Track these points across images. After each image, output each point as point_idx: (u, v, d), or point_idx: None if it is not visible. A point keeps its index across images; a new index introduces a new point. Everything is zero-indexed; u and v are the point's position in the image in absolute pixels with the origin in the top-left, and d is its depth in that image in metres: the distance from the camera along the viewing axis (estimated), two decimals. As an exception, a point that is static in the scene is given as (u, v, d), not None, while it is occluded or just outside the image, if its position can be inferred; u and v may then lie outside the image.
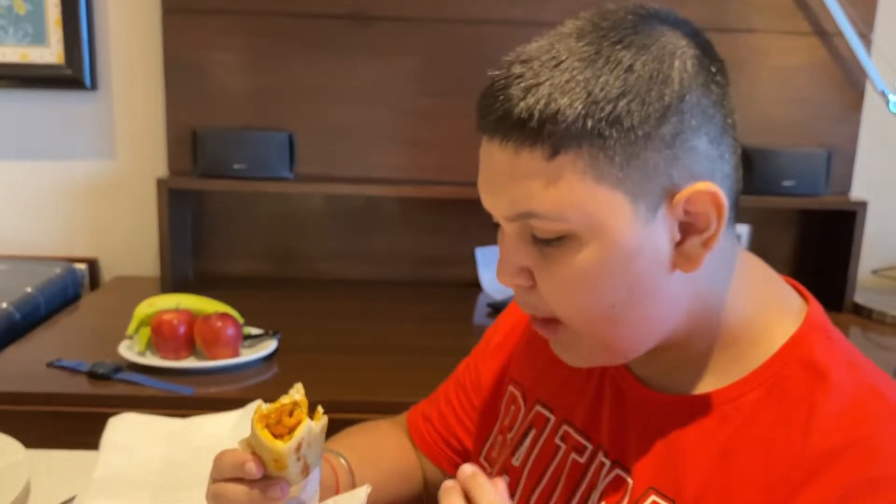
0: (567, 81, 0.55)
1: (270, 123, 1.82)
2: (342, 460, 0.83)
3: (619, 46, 0.56)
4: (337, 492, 0.78)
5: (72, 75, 1.82)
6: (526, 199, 0.57)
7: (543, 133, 0.55)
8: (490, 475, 0.81)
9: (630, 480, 0.67)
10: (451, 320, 1.71)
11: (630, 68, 0.55)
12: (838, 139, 1.85)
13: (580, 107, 0.54)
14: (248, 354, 1.38)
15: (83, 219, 1.92)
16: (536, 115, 0.55)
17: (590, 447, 0.72)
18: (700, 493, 0.61)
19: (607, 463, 0.69)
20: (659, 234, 0.58)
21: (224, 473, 0.65)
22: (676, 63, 0.56)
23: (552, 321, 0.63)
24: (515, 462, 0.78)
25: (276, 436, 0.62)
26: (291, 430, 0.62)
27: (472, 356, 0.93)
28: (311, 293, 1.85)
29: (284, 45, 1.80)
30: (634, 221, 0.57)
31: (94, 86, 1.85)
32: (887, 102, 1.73)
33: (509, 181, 0.58)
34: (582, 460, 0.72)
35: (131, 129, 1.88)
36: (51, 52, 1.81)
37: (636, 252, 0.58)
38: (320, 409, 0.65)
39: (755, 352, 0.64)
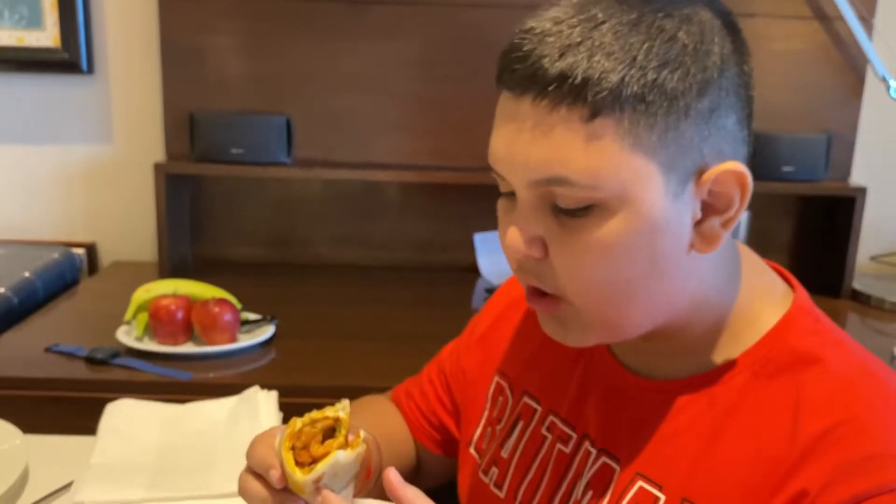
0: (609, 43, 0.53)
1: (268, 108, 1.81)
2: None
3: (661, 14, 0.54)
4: (368, 475, 0.74)
5: (68, 59, 1.80)
6: (559, 163, 0.55)
7: (585, 93, 0.53)
8: (480, 466, 0.82)
9: (617, 468, 0.67)
10: (449, 306, 1.71)
11: (674, 38, 0.54)
12: (838, 125, 1.84)
13: (624, 70, 0.52)
14: (246, 340, 1.38)
15: (81, 203, 1.91)
16: (579, 74, 0.53)
17: (574, 436, 0.72)
18: (687, 478, 0.61)
19: (593, 451, 0.69)
20: (683, 212, 0.58)
21: (253, 465, 0.64)
22: (716, 38, 0.56)
23: (553, 296, 0.62)
24: (504, 453, 0.78)
25: (299, 463, 0.59)
26: (317, 460, 0.59)
27: (455, 344, 0.93)
28: (310, 278, 1.85)
29: (282, 28, 1.79)
30: (664, 195, 0.56)
31: (90, 69, 1.83)
32: (888, 88, 1.72)
33: (539, 142, 0.55)
34: (567, 450, 0.72)
35: (128, 113, 1.87)
36: (47, 36, 1.80)
37: (662, 227, 0.57)
38: (361, 434, 0.61)
39: (742, 336, 0.64)
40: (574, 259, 0.58)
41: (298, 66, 1.81)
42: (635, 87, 0.53)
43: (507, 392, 0.81)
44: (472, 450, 0.83)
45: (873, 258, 1.93)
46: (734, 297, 0.64)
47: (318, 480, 0.58)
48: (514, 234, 0.59)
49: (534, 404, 0.77)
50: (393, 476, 0.59)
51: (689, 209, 0.58)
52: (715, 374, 0.63)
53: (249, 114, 1.78)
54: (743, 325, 0.64)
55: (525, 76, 0.55)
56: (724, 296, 0.64)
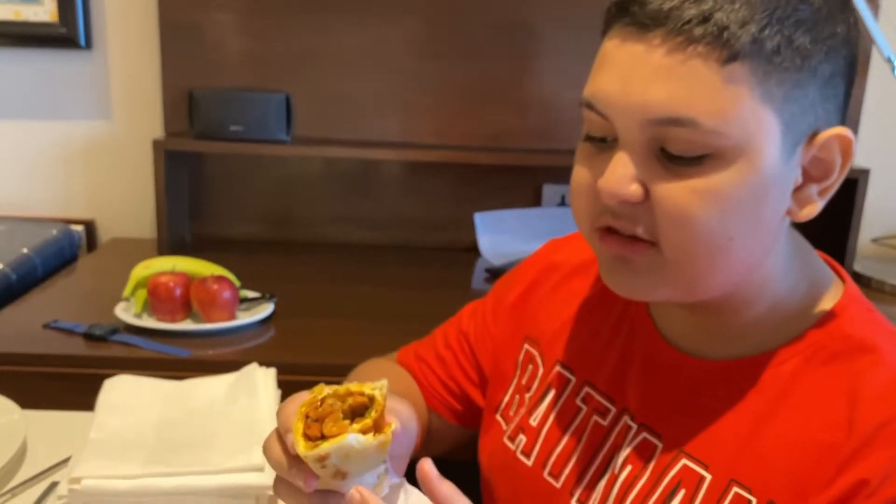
0: None
1: (268, 85, 1.80)
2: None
3: None
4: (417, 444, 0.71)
5: (66, 34, 1.79)
6: (685, 103, 0.52)
7: (724, 35, 0.51)
8: (506, 432, 0.81)
9: (659, 444, 0.66)
10: (449, 286, 1.71)
11: (809, 0, 0.53)
12: (842, 106, 1.82)
13: (764, 21, 0.52)
14: (245, 318, 1.38)
15: (80, 180, 1.90)
16: (721, 16, 0.51)
17: (613, 410, 0.71)
18: (734, 459, 0.61)
19: (633, 426, 0.69)
20: (789, 175, 0.57)
21: (279, 425, 0.61)
22: (842, 8, 0.56)
23: (639, 241, 0.59)
24: (533, 422, 0.77)
25: (308, 436, 0.54)
26: (326, 437, 0.54)
27: (478, 307, 0.91)
28: (309, 257, 1.85)
29: (282, 5, 1.77)
30: (780, 153, 0.55)
31: (88, 45, 1.82)
32: (892, 69, 1.70)
33: (665, 79, 0.53)
34: (605, 422, 0.71)
35: (127, 89, 1.86)
36: (44, 10, 1.78)
37: (772, 185, 0.56)
38: (393, 425, 0.56)
39: (795, 321, 0.63)
40: (681, 207, 0.55)
41: (298, 44, 1.79)
42: (773, 41, 0.52)
43: (538, 361, 0.80)
44: (498, 416, 0.83)
45: (874, 240, 1.93)
46: (790, 281, 0.64)
47: (322, 459, 0.53)
48: (614, 176, 0.56)
49: (567, 374, 0.77)
50: (428, 469, 0.56)
51: (793, 173, 0.57)
52: (764, 359, 0.63)
53: (249, 91, 1.77)
54: (796, 311, 0.63)
55: (659, 9, 0.52)
56: (785, 277, 0.64)
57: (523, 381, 0.81)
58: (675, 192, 0.55)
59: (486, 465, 0.83)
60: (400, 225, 1.94)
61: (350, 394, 0.56)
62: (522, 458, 0.77)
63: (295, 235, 1.94)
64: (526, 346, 0.83)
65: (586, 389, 0.74)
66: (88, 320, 1.34)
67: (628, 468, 0.68)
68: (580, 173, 0.60)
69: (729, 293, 0.62)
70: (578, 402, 0.75)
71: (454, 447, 0.95)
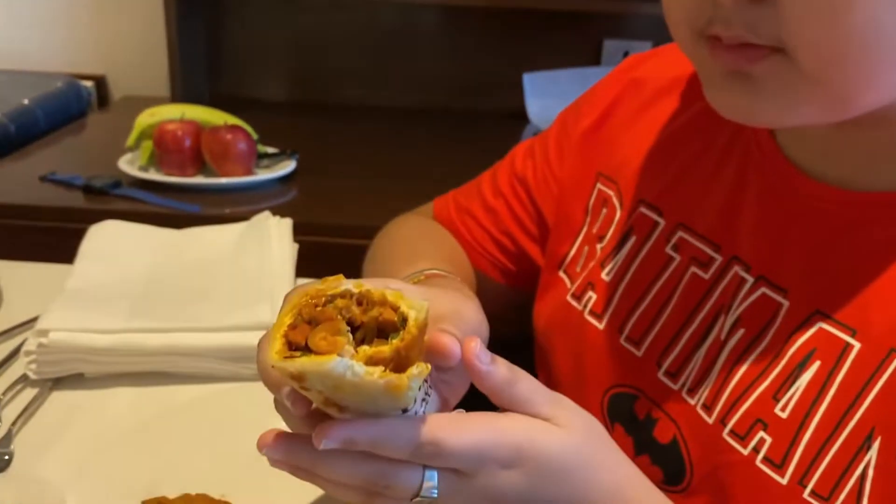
0: None
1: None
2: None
3: None
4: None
5: None
6: None
7: None
8: (570, 290, 0.65)
9: (785, 302, 0.51)
10: (490, 152, 1.51)
11: None
12: None
13: None
14: (263, 174, 1.23)
15: (88, 32, 1.73)
16: None
17: (719, 259, 0.55)
18: (894, 326, 0.46)
19: (748, 279, 0.53)
20: None
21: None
22: None
23: (759, 49, 0.44)
24: (606, 276, 0.62)
25: (292, 345, 0.37)
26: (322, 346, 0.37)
27: (538, 146, 0.74)
28: (338, 118, 1.67)
29: None
30: None
31: None
32: None
33: None
34: (706, 275, 0.56)
35: (137, -73, 1.66)
36: None
37: None
38: (425, 369, 0.38)
39: None
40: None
41: None
42: None
43: (615, 201, 0.64)
44: (561, 273, 0.68)
45: None
46: None
47: (299, 379, 0.37)
48: None
49: (654, 216, 0.61)
50: (477, 352, 0.42)
51: None
52: None
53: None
54: None
55: None
56: None
57: (594, 230, 0.65)
58: None
59: (544, 329, 0.67)
60: (438, 87, 1.75)
61: (375, 302, 0.39)
62: (591, 319, 0.62)
63: (324, 96, 1.76)
64: (599, 185, 0.66)
65: (680, 234, 0.59)
66: (89, 173, 1.21)
67: (740, 332, 0.52)
68: None
69: (886, 107, 0.46)
70: (669, 250, 0.59)
71: (500, 313, 0.79)
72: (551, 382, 0.68)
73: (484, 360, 0.42)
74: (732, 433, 0.50)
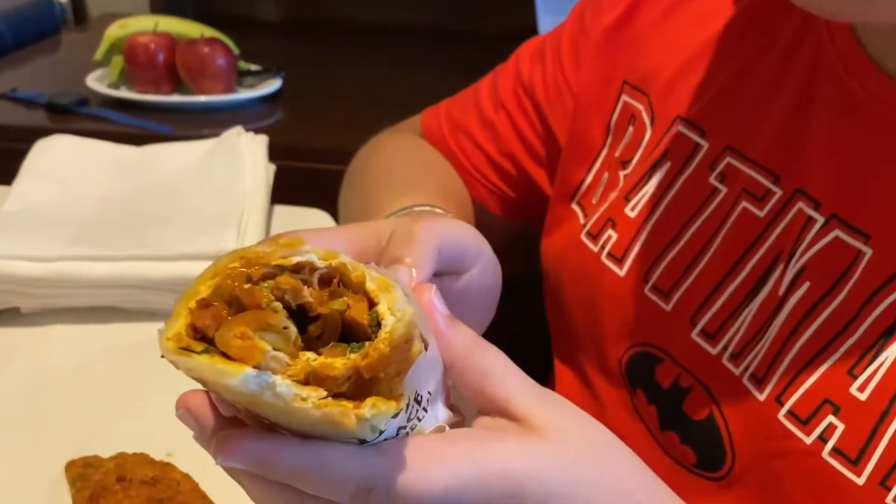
0: None
1: None
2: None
3: None
4: None
5: None
6: None
7: None
8: (585, 226, 0.54)
9: (866, 250, 0.40)
10: (498, 73, 1.41)
11: None
12: None
13: None
14: (246, 93, 1.11)
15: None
16: None
17: (778, 192, 0.44)
18: None
19: (818, 219, 0.42)
20: None
21: None
22: None
23: None
24: (631, 211, 0.51)
25: (198, 332, 0.26)
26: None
27: (547, 48, 0.62)
28: (330, 39, 1.55)
29: None
30: None
31: None
32: None
33: None
34: (761, 213, 0.44)
35: None
36: None
37: None
38: (397, 403, 0.26)
39: None
40: None
41: None
42: None
43: (644, 117, 0.53)
44: (574, 205, 0.57)
45: None
46: None
47: (201, 380, 0.26)
48: None
49: (694, 137, 0.49)
50: (437, 310, 0.31)
51: None
52: None
53: None
54: None
55: None
56: None
57: (616, 153, 0.54)
58: None
59: (554, 272, 0.57)
60: (440, 4, 1.61)
61: (350, 285, 0.27)
62: (610, 263, 0.51)
63: (315, 15, 1.63)
64: (624, 97, 0.54)
65: (728, 160, 0.47)
66: (55, 91, 1.11)
67: (804, 287, 0.41)
68: None
69: None
70: (714, 179, 0.48)
71: (498, 249, 0.69)
72: (565, 335, 0.58)
73: (441, 312, 0.30)
74: (791, 415, 0.40)
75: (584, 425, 0.31)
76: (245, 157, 0.73)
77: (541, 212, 0.63)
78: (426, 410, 0.30)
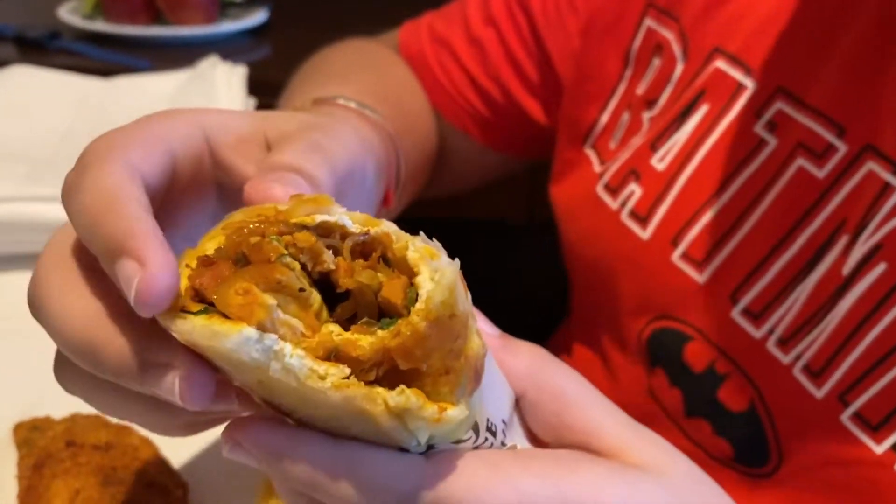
0: None
1: None
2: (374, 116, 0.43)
3: None
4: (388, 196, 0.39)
5: None
6: None
7: None
8: (602, 178, 0.47)
9: None
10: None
11: None
12: None
13: None
14: (229, 25, 1.05)
15: None
16: None
17: (843, 148, 0.37)
18: None
19: (895, 183, 0.35)
20: None
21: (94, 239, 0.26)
22: None
23: None
24: (659, 163, 0.44)
25: (198, 294, 0.21)
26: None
27: None
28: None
29: None
30: None
31: None
32: None
33: None
34: (821, 173, 0.38)
35: None
36: None
37: None
38: (448, 409, 0.22)
39: None
40: None
41: None
42: None
43: (674, 47, 0.45)
44: (587, 149, 0.50)
45: None
46: None
47: (198, 349, 0.22)
48: None
49: (738, 75, 0.42)
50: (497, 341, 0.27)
51: None
52: None
53: None
54: None
55: None
56: None
57: (639, 89, 0.47)
58: None
59: (565, 223, 0.51)
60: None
61: (395, 261, 0.22)
62: (631, 223, 0.45)
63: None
64: (648, 21, 0.47)
65: (780, 105, 0.40)
66: (24, 23, 1.04)
67: (880, 268, 0.35)
68: None
69: None
70: (761, 129, 0.41)
71: (478, 183, 0.63)
72: (580, 297, 0.53)
73: (491, 333, 0.26)
74: (858, 418, 0.34)
75: (680, 462, 0.26)
76: (220, 90, 0.67)
77: (531, 145, 0.57)
78: (504, 445, 0.25)
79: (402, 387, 0.20)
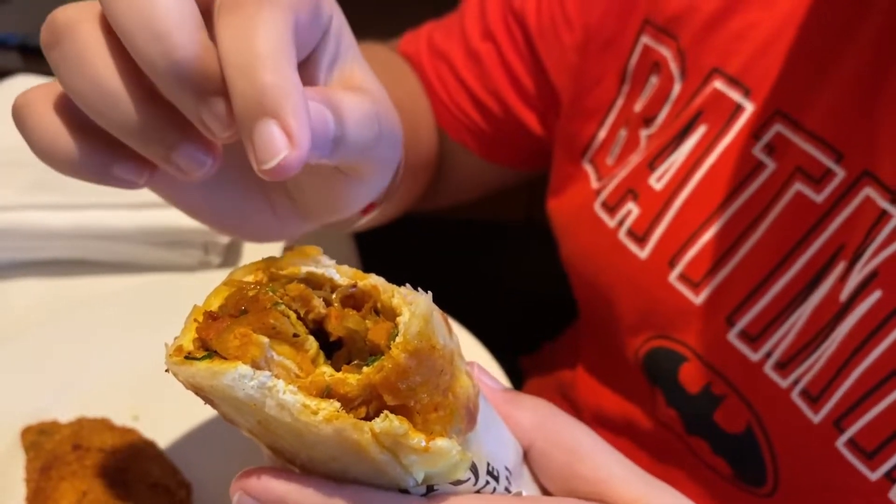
0: None
1: None
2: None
3: None
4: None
5: None
6: None
7: None
8: (600, 196, 0.47)
9: None
10: None
11: None
12: None
13: None
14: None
15: None
16: None
17: (841, 173, 0.37)
18: None
19: (892, 212, 0.35)
20: None
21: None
22: None
23: None
24: (657, 183, 0.44)
25: (205, 345, 0.24)
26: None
27: None
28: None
29: None
30: None
31: None
32: None
33: None
34: (819, 198, 0.38)
35: None
36: None
37: None
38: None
39: None
40: None
41: None
42: None
43: (672, 66, 0.45)
44: (585, 163, 0.50)
45: None
46: None
47: (197, 391, 0.24)
48: None
49: (736, 96, 0.42)
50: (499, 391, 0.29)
51: None
52: None
53: None
54: None
55: None
56: None
57: (637, 106, 0.47)
58: None
59: (563, 239, 0.52)
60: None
61: (384, 310, 0.24)
62: (629, 242, 0.45)
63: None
64: (645, 39, 0.47)
65: (779, 128, 0.40)
66: (28, 31, 1.06)
67: (875, 295, 0.35)
68: None
69: None
70: (759, 151, 0.40)
71: (472, 195, 0.64)
72: (582, 309, 0.53)
73: (494, 387, 0.28)
74: (853, 445, 0.34)
75: None
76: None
77: (528, 158, 0.57)
78: (508, 491, 0.26)
79: (386, 412, 0.22)
